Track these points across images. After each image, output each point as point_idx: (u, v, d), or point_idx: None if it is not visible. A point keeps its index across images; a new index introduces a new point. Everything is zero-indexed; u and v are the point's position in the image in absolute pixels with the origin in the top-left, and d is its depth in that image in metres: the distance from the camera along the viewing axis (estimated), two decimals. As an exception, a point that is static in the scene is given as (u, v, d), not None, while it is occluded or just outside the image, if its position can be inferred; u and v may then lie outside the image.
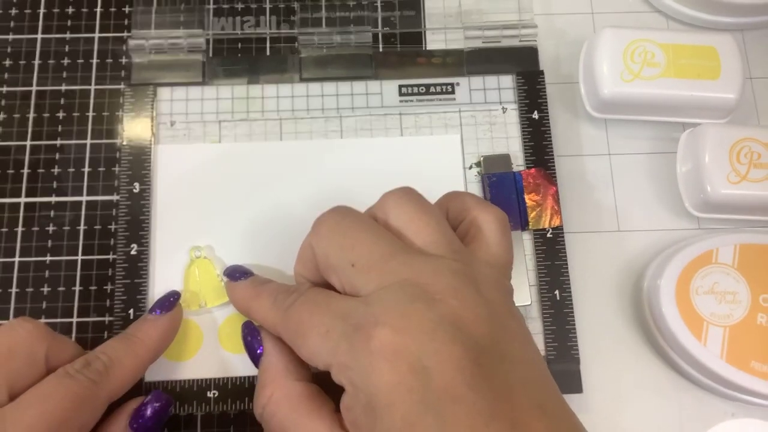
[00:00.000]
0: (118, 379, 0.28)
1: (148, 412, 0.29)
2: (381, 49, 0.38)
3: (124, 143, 0.35)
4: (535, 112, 0.36)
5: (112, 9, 0.39)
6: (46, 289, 0.34)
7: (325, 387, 0.26)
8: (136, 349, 0.29)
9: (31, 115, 0.37)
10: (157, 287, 0.34)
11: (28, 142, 0.36)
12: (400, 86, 0.37)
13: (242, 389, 0.32)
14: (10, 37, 0.38)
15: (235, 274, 0.31)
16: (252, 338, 0.29)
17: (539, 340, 0.33)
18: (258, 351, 0.28)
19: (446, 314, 0.22)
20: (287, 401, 0.26)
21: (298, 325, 0.25)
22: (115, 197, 0.35)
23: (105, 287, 0.34)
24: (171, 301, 0.31)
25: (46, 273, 0.34)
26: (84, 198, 0.35)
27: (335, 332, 0.23)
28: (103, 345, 0.29)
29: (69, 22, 0.38)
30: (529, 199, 0.35)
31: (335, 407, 0.25)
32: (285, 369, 0.27)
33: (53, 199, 0.35)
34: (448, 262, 0.24)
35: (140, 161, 0.35)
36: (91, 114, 0.37)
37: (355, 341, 0.22)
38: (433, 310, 0.22)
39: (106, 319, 0.33)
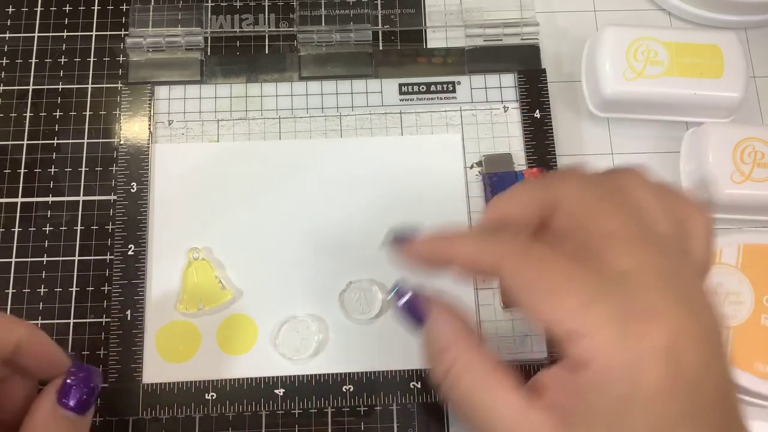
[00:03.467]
0: None
1: (74, 387, 0.26)
2: (381, 48, 0.38)
3: (122, 142, 0.35)
4: (537, 111, 0.36)
5: (110, 7, 0.38)
6: (43, 290, 0.34)
7: None
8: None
9: (28, 114, 0.36)
10: (155, 288, 0.33)
11: (25, 142, 0.36)
12: (401, 85, 0.37)
13: (240, 391, 0.32)
14: (7, 35, 0.38)
15: (401, 235, 0.27)
16: (413, 300, 0.25)
17: (541, 342, 0.33)
18: (421, 314, 0.25)
19: (712, 323, 0.21)
20: (473, 368, 0.23)
21: (550, 278, 0.22)
22: (112, 197, 0.35)
23: (102, 288, 0.34)
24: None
25: (43, 273, 0.34)
26: (81, 198, 0.35)
27: (602, 308, 0.21)
28: None
29: (66, 21, 0.38)
30: (531, 199, 0.34)
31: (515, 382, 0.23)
32: (465, 332, 0.24)
33: (50, 199, 0.35)
34: (692, 265, 0.23)
35: (138, 161, 0.35)
36: (88, 113, 0.36)
37: (625, 329, 0.21)
38: (701, 323, 0.21)
39: (104, 320, 0.33)
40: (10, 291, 0.34)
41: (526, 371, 0.32)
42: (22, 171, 0.35)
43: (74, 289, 0.34)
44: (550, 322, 0.22)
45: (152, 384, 0.32)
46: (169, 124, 0.36)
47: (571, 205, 0.24)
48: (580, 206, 0.23)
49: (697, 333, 0.21)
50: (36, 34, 0.38)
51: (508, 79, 0.37)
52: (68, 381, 0.26)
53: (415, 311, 0.25)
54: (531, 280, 0.22)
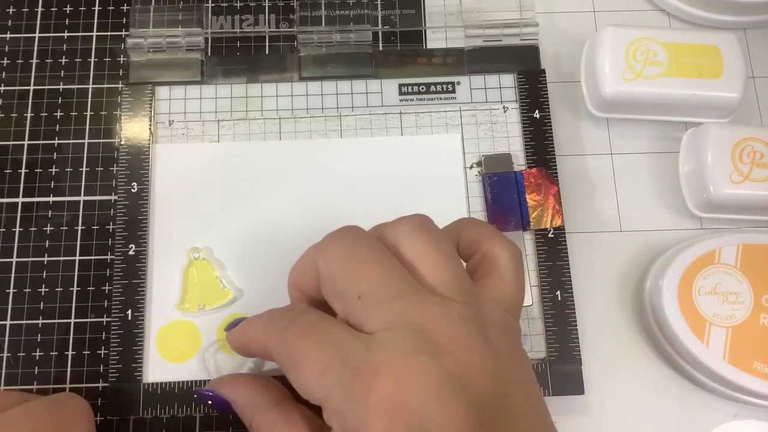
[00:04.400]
0: None
1: None
2: (381, 48, 0.38)
3: (122, 143, 0.35)
4: (537, 111, 0.36)
5: (110, 7, 0.38)
6: (43, 290, 0.34)
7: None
8: None
9: (29, 115, 0.36)
10: (156, 287, 0.33)
11: (26, 142, 0.36)
12: (401, 85, 0.37)
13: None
14: (8, 36, 0.38)
15: (233, 324, 0.29)
16: (213, 397, 0.28)
17: (540, 341, 0.33)
18: (225, 404, 0.27)
19: (452, 370, 0.21)
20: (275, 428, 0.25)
21: (294, 354, 0.23)
22: (113, 197, 0.35)
23: (103, 288, 0.34)
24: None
25: (44, 273, 0.34)
26: (82, 198, 0.35)
27: (333, 373, 0.22)
28: None
29: (67, 21, 0.38)
30: (531, 199, 0.35)
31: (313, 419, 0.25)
32: (260, 398, 0.26)
33: (51, 199, 0.35)
34: (458, 307, 0.23)
35: (138, 161, 0.35)
36: (88, 113, 0.36)
37: (353, 389, 0.21)
38: (438, 364, 0.21)
39: (104, 320, 0.33)
40: (11, 291, 0.34)
41: (526, 371, 0.32)
42: (23, 171, 0.36)
43: (75, 288, 0.34)
44: (305, 395, 0.23)
45: (153, 383, 0.32)
46: (170, 125, 0.36)
47: (328, 272, 0.24)
48: (336, 272, 0.24)
49: (435, 377, 0.21)
50: (37, 35, 0.38)
51: (508, 80, 0.37)
52: None
53: (220, 404, 0.28)
54: (286, 357, 0.24)
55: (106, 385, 0.32)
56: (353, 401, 0.21)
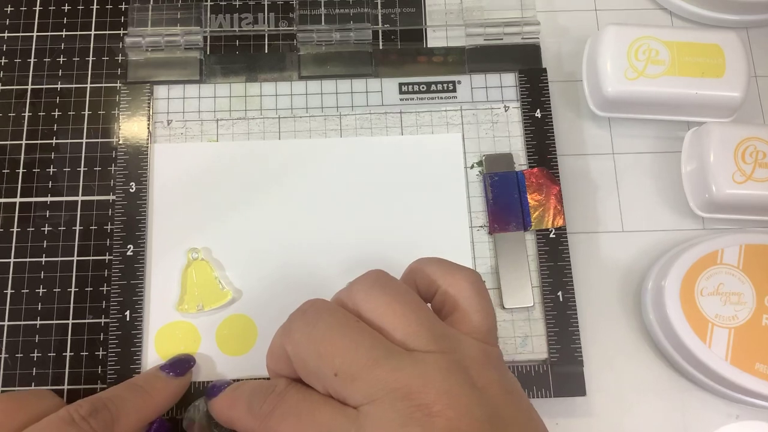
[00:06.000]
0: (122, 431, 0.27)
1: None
2: (381, 47, 0.38)
3: (121, 142, 0.35)
4: (538, 110, 0.36)
5: (109, 6, 0.38)
6: (41, 290, 0.33)
7: None
8: (146, 404, 0.28)
9: (27, 114, 0.36)
10: (154, 288, 0.33)
11: (24, 141, 0.36)
12: (401, 84, 0.37)
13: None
14: (6, 34, 0.38)
15: (213, 390, 0.29)
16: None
17: (542, 342, 0.33)
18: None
19: (472, 409, 0.21)
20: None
21: None
22: (111, 197, 0.35)
23: (101, 288, 0.33)
24: (187, 366, 0.31)
25: (42, 274, 0.34)
26: (79, 198, 0.35)
27: None
28: (112, 391, 0.28)
29: (65, 20, 0.38)
30: (532, 199, 0.34)
31: None
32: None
33: (48, 199, 0.35)
34: (435, 358, 0.22)
35: (137, 160, 0.35)
36: (87, 112, 0.36)
37: None
38: (464, 398, 0.21)
39: (102, 320, 0.33)
40: (9, 291, 0.33)
41: (527, 372, 0.32)
42: (21, 171, 0.35)
43: (73, 289, 0.34)
44: None
45: (151, 385, 0.32)
46: (168, 124, 0.36)
47: (298, 357, 0.24)
48: (306, 356, 0.23)
49: None
50: (35, 34, 0.38)
51: (509, 79, 0.37)
52: None
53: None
54: None
55: (105, 386, 0.32)
56: None
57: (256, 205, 0.35)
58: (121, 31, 0.38)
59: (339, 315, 0.24)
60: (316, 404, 0.23)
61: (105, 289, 0.33)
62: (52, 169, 0.35)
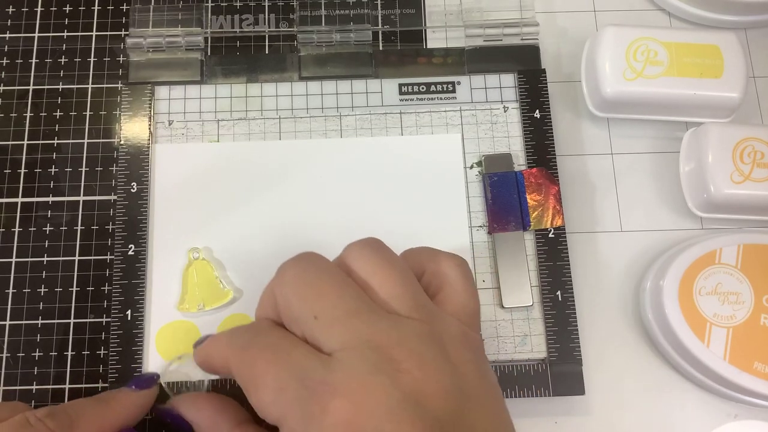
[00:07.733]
0: None
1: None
2: (381, 48, 0.38)
3: (122, 142, 0.35)
4: (537, 111, 0.36)
5: (110, 7, 0.38)
6: (43, 290, 0.34)
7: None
8: (105, 412, 0.28)
9: (28, 115, 0.36)
10: (155, 288, 0.33)
11: (25, 142, 0.36)
12: (401, 85, 0.37)
13: (240, 391, 0.32)
14: (7, 35, 0.38)
15: (201, 340, 0.29)
16: (173, 415, 0.28)
17: (541, 342, 0.33)
18: (185, 423, 0.28)
19: (409, 389, 0.21)
20: None
21: (253, 371, 0.23)
22: (112, 197, 0.35)
23: (102, 288, 0.34)
24: (151, 381, 0.31)
25: (43, 273, 0.34)
26: (81, 198, 0.35)
27: (289, 392, 0.22)
28: (71, 401, 0.28)
29: (66, 21, 0.38)
30: (531, 199, 0.35)
31: None
32: (217, 426, 0.27)
33: (50, 199, 0.35)
34: (414, 324, 0.23)
35: (138, 161, 0.35)
36: (88, 113, 0.36)
37: (308, 409, 0.21)
38: (395, 384, 0.21)
39: (104, 320, 0.33)
40: (11, 291, 0.34)
41: (526, 370, 0.32)
42: (23, 171, 0.35)
43: (74, 289, 0.34)
44: (262, 415, 0.23)
45: (152, 384, 0.32)
46: (170, 124, 0.36)
47: (284, 299, 0.24)
48: (291, 297, 0.24)
49: (391, 398, 0.21)
50: (36, 35, 0.38)
51: (508, 79, 0.37)
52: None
53: (180, 423, 0.28)
54: (245, 375, 0.24)
55: (106, 385, 0.32)
56: (309, 422, 0.21)
57: (257, 205, 0.35)
58: (123, 32, 0.38)
59: (330, 267, 0.25)
60: (294, 344, 0.23)
61: (106, 288, 0.34)
62: (53, 170, 0.36)
